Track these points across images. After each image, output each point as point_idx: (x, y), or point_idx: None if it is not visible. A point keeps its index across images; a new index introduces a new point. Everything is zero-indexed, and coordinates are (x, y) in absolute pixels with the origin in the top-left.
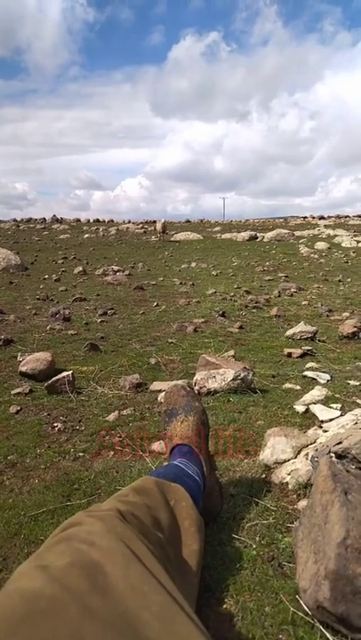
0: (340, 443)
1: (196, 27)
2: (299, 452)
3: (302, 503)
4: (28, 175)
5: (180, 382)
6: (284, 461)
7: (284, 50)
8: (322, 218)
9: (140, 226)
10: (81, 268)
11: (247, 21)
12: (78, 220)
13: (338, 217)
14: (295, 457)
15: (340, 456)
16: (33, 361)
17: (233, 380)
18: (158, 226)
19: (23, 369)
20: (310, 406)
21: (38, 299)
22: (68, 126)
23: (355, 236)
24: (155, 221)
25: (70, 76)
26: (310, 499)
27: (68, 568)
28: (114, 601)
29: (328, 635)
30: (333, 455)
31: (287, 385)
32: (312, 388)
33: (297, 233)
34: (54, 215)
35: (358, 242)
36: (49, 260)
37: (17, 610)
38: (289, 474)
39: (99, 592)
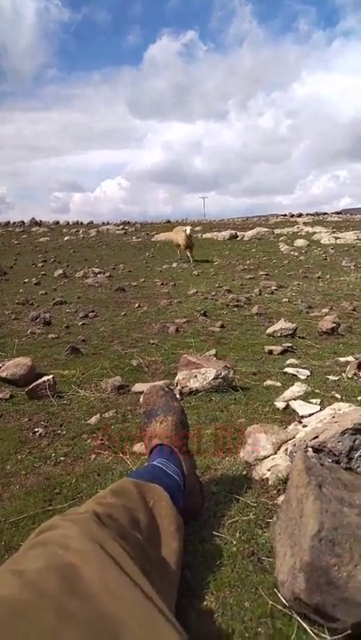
0: (316, 437)
1: (172, 26)
2: (279, 448)
3: (282, 498)
4: (7, 179)
5: (158, 383)
6: (265, 458)
7: (260, 49)
8: (300, 215)
9: (121, 227)
10: (61, 271)
11: (223, 20)
12: (57, 223)
13: (316, 214)
14: (275, 453)
15: (316, 450)
16: (13, 366)
17: (214, 378)
18: (181, 237)
19: (3, 374)
20: (290, 402)
21: (18, 303)
22: (46, 129)
23: (333, 232)
24: (128, 222)
25: (48, 77)
26: (287, 493)
27: (44, 572)
28: (91, 604)
29: (305, 625)
30: (311, 449)
31: (268, 382)
32: (292, 385)
33: (277, 231)
34: (33, 218)
35: (337, 238)
36: (28, 264)
37: None
38: (269, 469)
39: (75, 595)
